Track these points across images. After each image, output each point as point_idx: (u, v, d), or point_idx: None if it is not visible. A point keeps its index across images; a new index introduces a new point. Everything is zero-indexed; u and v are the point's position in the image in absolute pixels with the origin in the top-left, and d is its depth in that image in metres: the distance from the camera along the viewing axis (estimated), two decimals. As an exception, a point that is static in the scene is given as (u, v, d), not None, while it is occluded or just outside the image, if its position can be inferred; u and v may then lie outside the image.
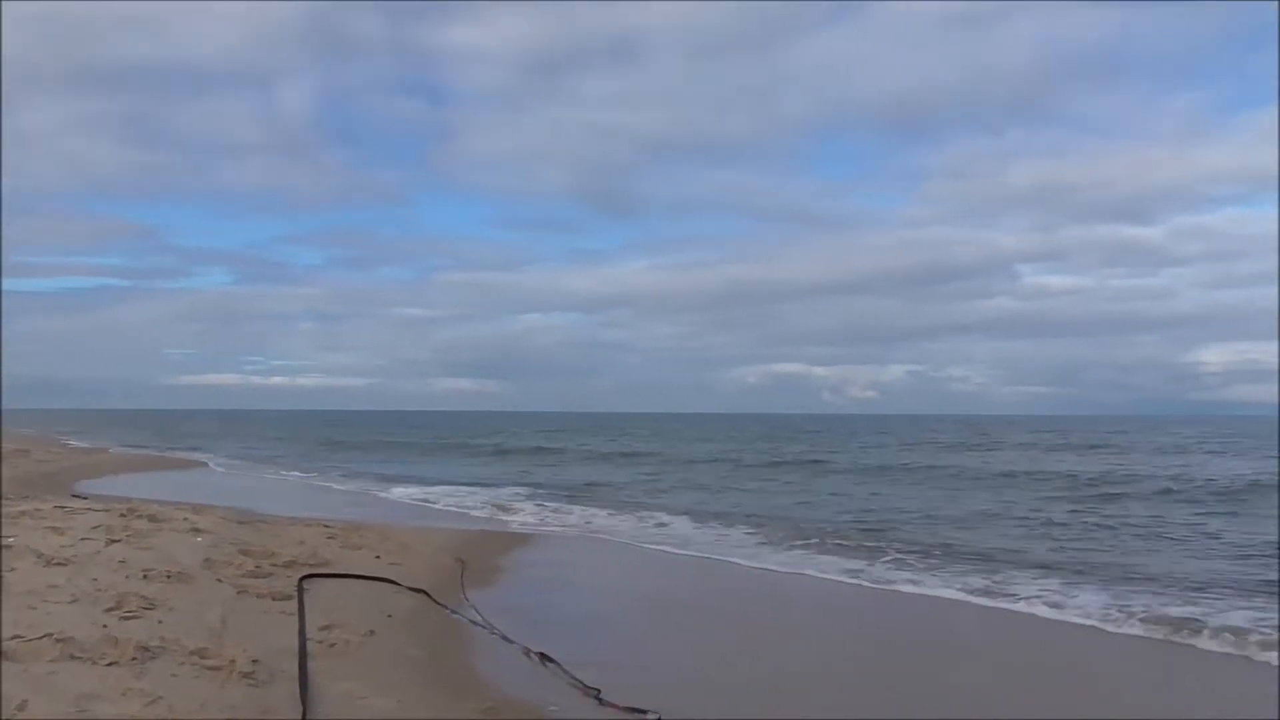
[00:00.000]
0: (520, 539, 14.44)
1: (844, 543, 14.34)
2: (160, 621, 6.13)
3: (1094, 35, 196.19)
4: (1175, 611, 9.10)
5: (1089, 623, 8.89)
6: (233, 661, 5.45)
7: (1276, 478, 25.16)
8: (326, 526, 12.82)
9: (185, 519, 11.30)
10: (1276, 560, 12.71)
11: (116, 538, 9.16)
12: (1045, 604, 9.71)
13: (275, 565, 9.08)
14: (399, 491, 23.66)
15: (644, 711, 5.49)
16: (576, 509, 20.10)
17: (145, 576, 7.45)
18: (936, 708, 6.30)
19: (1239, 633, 8.24)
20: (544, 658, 6.64)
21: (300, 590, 7.93)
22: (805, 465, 34.72)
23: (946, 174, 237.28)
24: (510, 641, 7.24)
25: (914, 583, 11.02)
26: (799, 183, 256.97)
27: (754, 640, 8.30)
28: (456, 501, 21.27)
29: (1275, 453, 37.89)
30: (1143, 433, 67.21)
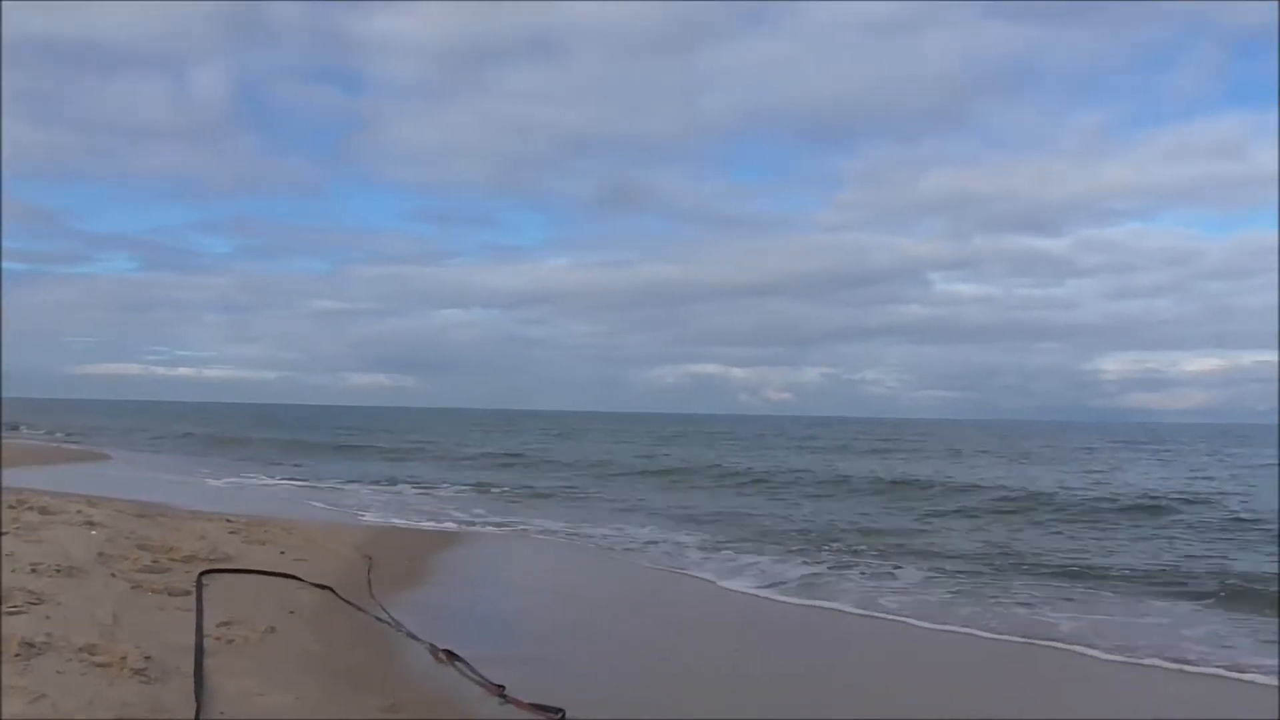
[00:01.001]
0: (430, 536, 14.28)
1: (767, 543, 14.56)
2: (48, 617, 5.90)
3: (1006, 50, 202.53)
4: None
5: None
6: (124, 658, 5.28)
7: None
8: (230, 521, 12.50)
9: (79, 512, 10.89)
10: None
11: (3, 530, 8.79)
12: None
13: (174, 560, 8.82)
14: (304, 485, 23.20)
15: (548, 708, 5.48)
16: (486, 506, 20.00)
17: (34, 570, 7.16)
18: (832, 708, 6.45)
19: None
20: (450, 655, 6.58)
21: (199, 585, 7.71)
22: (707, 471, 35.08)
23: (862, 180, 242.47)
24: (416, 639, 7.17)
25: (816, 593, 11.24)
26: (717, 184, 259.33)
27: (665, 637, 8.37)
28: (367, 497, 20.96)
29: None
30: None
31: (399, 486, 24.46)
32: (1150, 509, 19.54)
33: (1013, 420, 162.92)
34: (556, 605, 9.64)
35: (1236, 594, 10.60)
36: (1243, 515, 18.48)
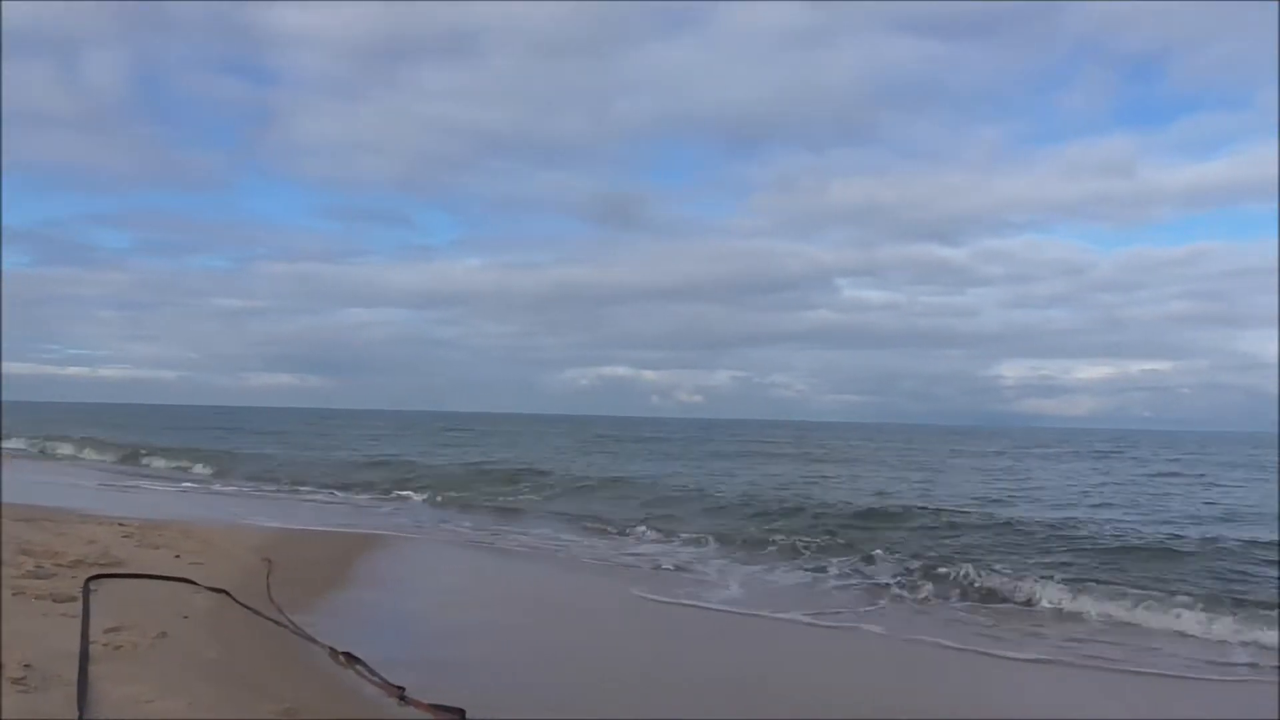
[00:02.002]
0: (333, 539, 14.01)
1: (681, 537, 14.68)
2: (-82, 625, 5.63)
3: (912, 65, 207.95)
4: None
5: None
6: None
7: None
8: (122, 525, 12.06)
9: (-43, 516, 10.38)
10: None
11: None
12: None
13: (59, 565, 8.47)
14: (203, 488, 22.52)
15: (448, 708, 5.45)
16: (392, 509, 19.72)
17: (-96, 577, 6.81)
18: (747, 706, 6.55)
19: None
20: (350, 657, 6.48)
21: (86, 591, 7.43)
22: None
23: (773, 187, 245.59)
24: (315, 642, 7.03)
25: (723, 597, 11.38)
26: (631, 188, 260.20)
27: (572, 638, 8.39)
28: (267, 499, 20.44)
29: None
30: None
31: (302, 489, 23.92)
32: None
33: (918, 425, 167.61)
34: (462, 607, 9.57)
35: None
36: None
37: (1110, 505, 22.16)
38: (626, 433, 72.29)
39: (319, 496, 23.08)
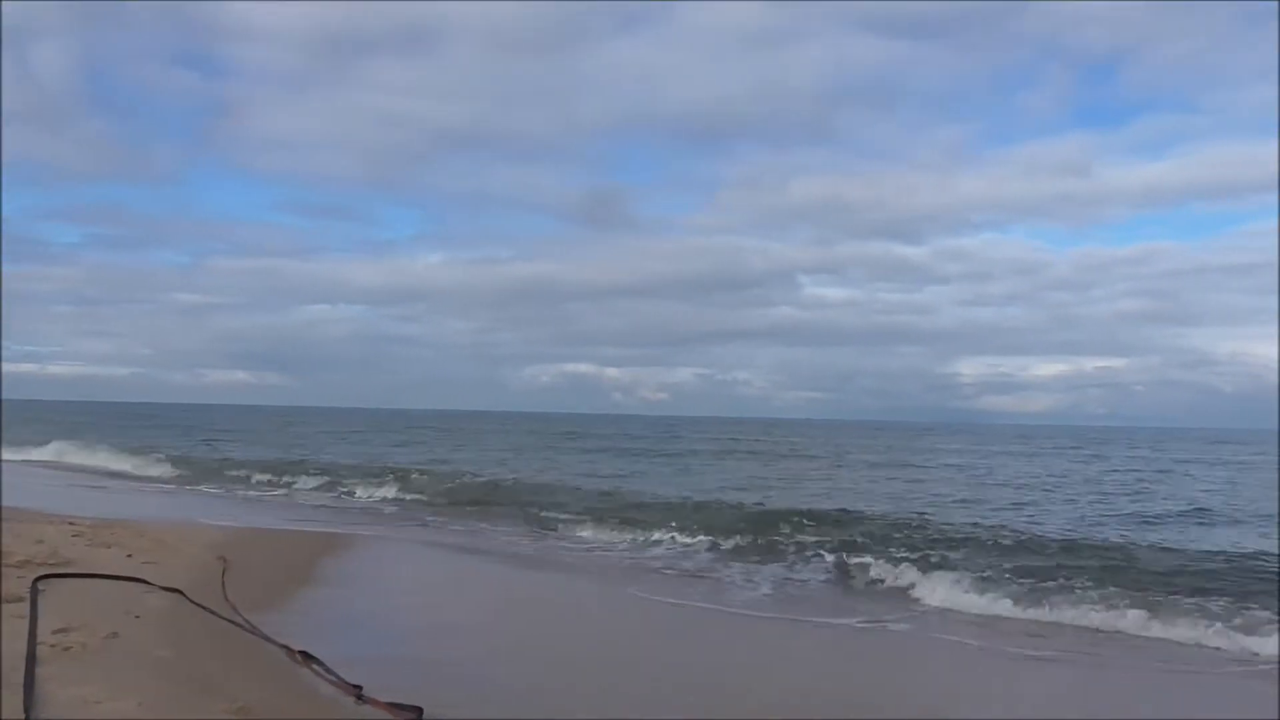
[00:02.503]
0: (291, 537, 13.85)
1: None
2: None
3: (874, 64, 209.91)
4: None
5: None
6: (-57, 668, 4.94)
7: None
8: (73, 524, 11.82)
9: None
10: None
11: None
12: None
13: (6, 565, 8.27)
14: (157, 485, 22.17)
15: (406, 707, 5.40)
16: (350, 507, 19.55)
17: None
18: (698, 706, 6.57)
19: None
20: (306, 656, 6.40)
21: (34, 591, 7.27)
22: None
23: (736, 185, 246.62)
24: (271, 641, 6.94)
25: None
26: (594, 185, 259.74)
27: (532, 635, 8.36)
28: (223, 497, 20.17)
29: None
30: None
31: (258, 486, 23.63)
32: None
33: (877, 421, 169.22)
34: (423, 606, 9.50)
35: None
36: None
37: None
38: (592, 429, 72.25)
39: (276, 493, 22.83)
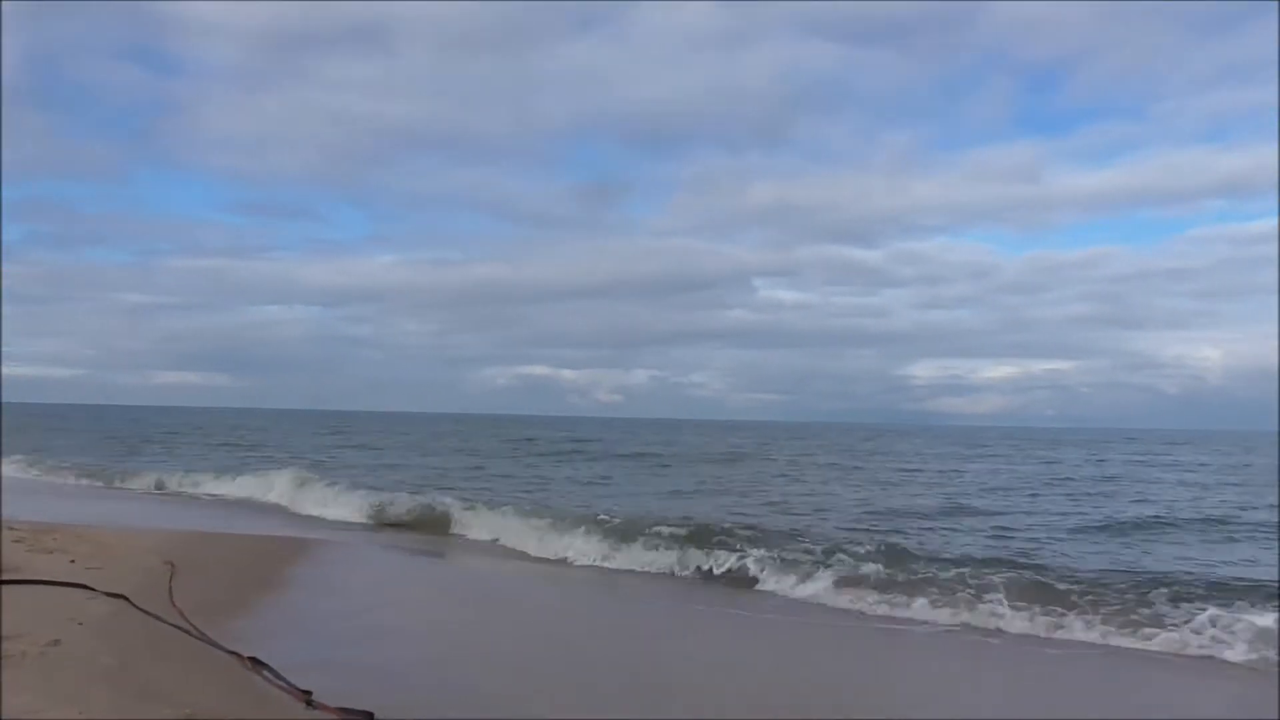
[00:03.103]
0: (243, 540, 13.64)
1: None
2: None
3: (825, 68, 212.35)
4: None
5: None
6: (-124, 678, 4.79)
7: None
8: (13, 529, 11.53)
9: None
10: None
11: None
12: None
13: (-57, 571, 8.06)
14: (101, 488, 21.71)
15: (356, 711, 5.34)
16: (301, 509, 19.31)
17: None
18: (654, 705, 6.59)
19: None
20: (256, 662, 6.31)
21: (-28, 598, 7.08)
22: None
23: (692, 187, 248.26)
24: (219, 646, 6.83)
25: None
26: (550, 186, 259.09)
27: (486, 637, 8.32)
28: (169, 499, 19.81)
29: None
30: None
31: (203, 488, 23.26)
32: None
33: (832, 423, 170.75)
34: (377, 609, 9.40)
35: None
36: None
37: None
38: (551, 433, 72.01)
39: (223, 489, 22.49)
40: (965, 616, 9.78)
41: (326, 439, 54.61)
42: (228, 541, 13.44)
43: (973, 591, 10.28)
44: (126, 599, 8.08)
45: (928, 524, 17.56)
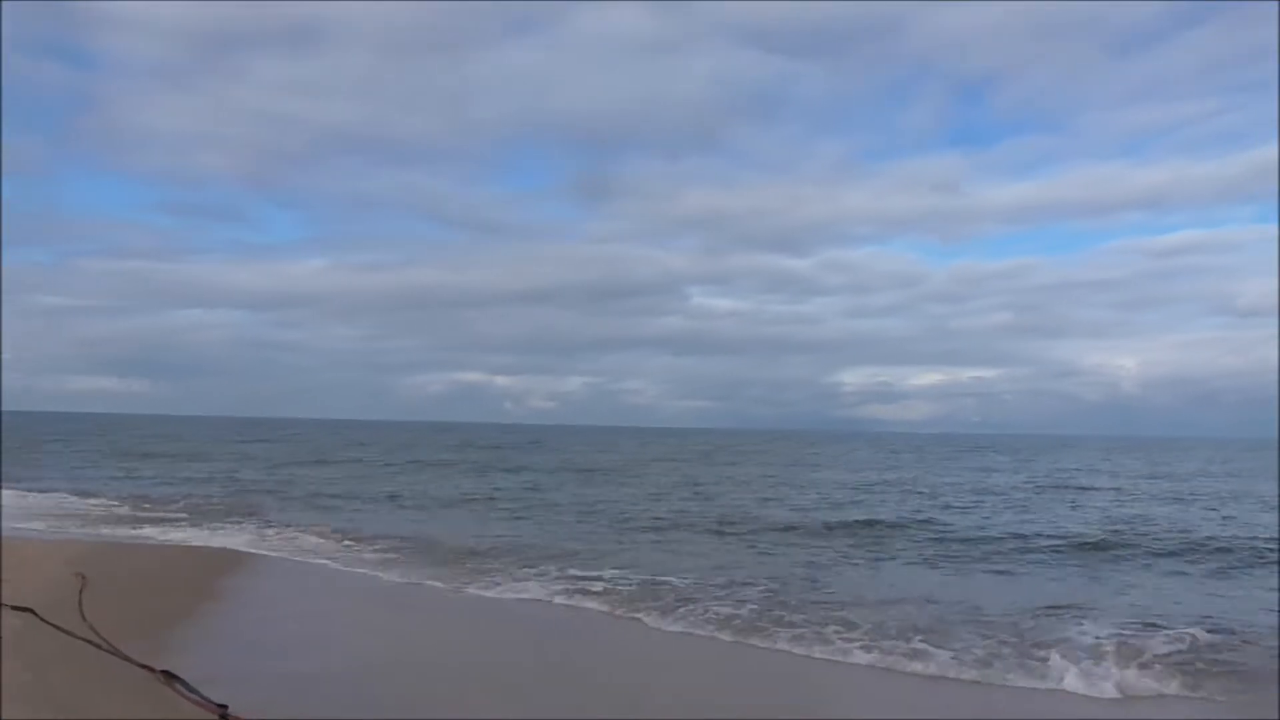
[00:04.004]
0: (159, 550, 13.43)
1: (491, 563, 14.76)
2: None
3: (759, 77, 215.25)
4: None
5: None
6: None
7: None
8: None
9: None
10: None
11: None
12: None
13: None
14: (14, 495, 21.08)
15: (272, 724, 5.42)
16: (212, 521, 19.03)
17: None
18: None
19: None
20: (168, 675, 6.32)
21: (-126, 613, 6.94)
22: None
23: (627, 194, 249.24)
24: (131, 660, 6.81)
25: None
26: (485, 190, 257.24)
27: (405, 649, 8.39)
28: (76, 507, 19.34)
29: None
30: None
31: (117, 497, 22.72)
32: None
33: (765, 430, 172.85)
34: (292, 619, 9.40)
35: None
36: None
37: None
38: (486, 439, 71.37)
39: (140, 492, 21.99)
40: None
41: (232, 446, 53.38)
42: (140, 551, 13.23)
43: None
44: (33, 612, 7.98)
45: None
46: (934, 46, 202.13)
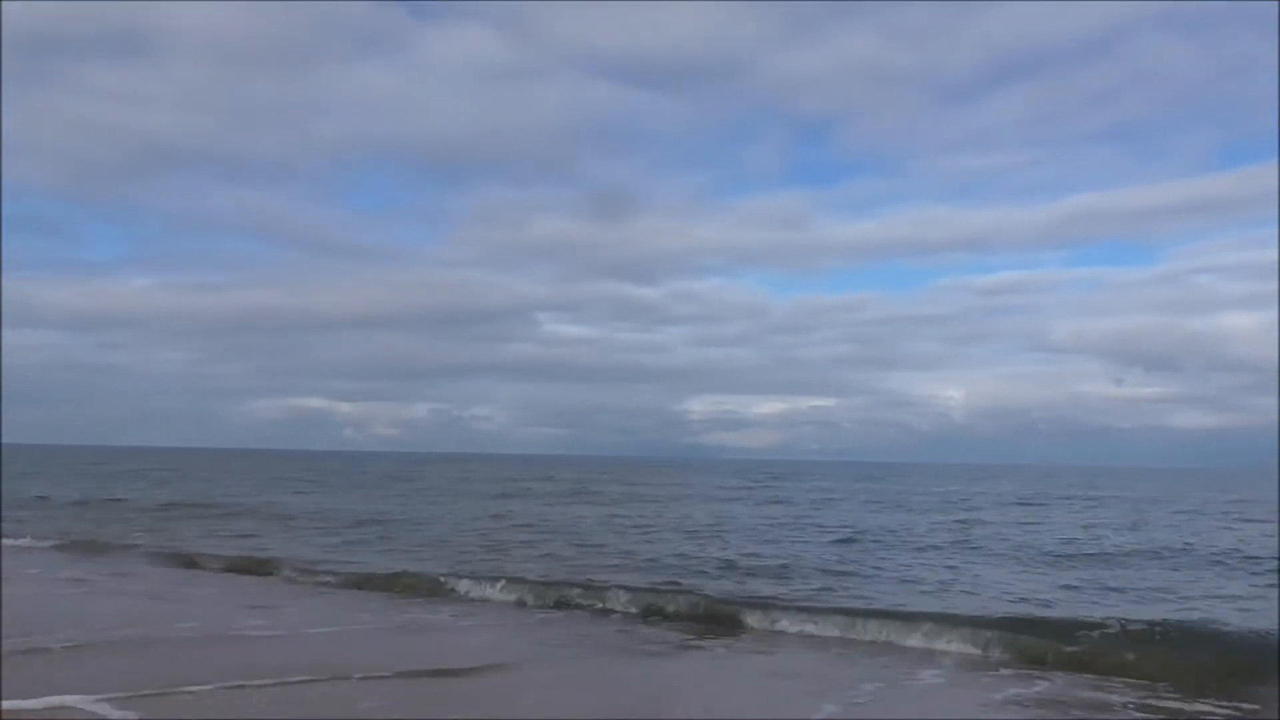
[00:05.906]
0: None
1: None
2: None
3: (610, 109, 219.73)
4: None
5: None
6: None
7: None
8: None
9: None
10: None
11: None
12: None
13: None
14: None
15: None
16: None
17: None
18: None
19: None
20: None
21: None
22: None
23: (475, 219, 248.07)
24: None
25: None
26: (326, 211, 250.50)
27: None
28: None
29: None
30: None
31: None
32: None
33: (615, 457, 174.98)
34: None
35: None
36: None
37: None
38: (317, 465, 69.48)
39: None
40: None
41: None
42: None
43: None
44: None
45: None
46: (773, 87, 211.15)
